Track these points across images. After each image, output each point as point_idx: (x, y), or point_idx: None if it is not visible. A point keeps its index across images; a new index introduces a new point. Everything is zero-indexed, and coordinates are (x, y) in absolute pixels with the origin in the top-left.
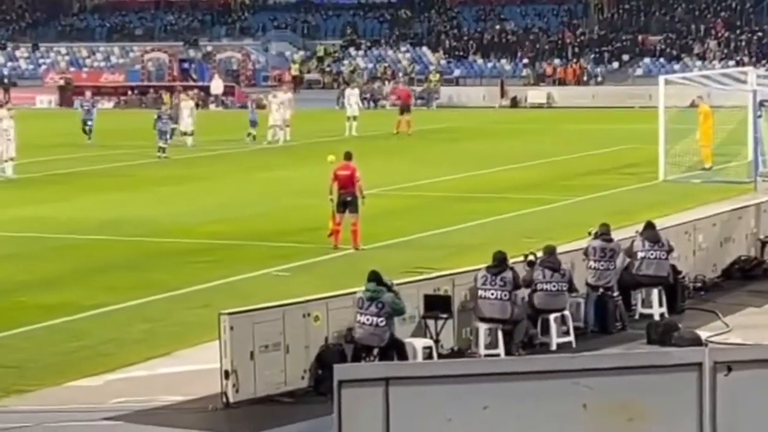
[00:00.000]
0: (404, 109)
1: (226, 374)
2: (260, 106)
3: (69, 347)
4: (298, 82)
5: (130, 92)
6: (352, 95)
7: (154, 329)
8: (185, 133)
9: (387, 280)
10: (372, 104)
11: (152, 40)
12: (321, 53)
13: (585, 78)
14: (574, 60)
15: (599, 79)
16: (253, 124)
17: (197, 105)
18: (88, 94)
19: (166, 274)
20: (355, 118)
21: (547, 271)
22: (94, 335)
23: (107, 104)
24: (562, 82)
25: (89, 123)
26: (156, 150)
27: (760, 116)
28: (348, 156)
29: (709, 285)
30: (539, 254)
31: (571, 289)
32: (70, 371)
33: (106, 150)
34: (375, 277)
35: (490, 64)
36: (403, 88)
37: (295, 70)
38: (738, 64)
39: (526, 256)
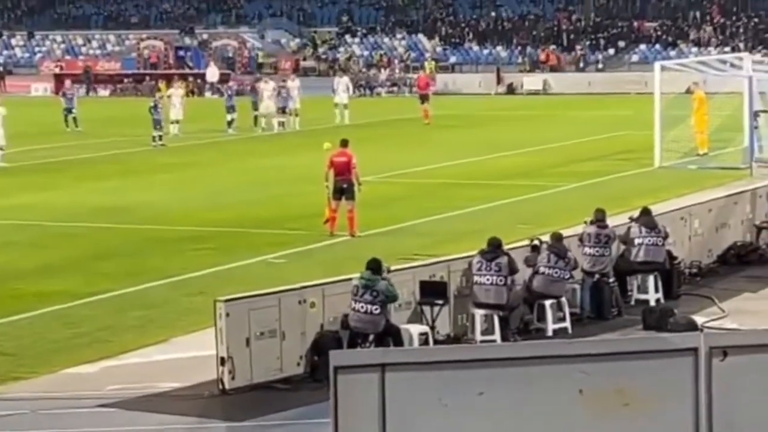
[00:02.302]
0: (423, 97)
1: (222, 361)
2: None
3: (65, 334)
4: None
5: (125, 80)
6: (340, 83)
7: (150, 316)
8: (174, 122)
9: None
10: (368, 91)
11: (148, 28)
12: (317, 41)
13: (582, 64)
14: (579, 48)
15: (600, 66)
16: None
17: (192, 92)
18: (68, 82)
19: (162, 261)
20: (345, 106)
21: (553, 256)
22: (90, 322)
23: (103, 92)
24: (557, 69)
25: (73, 111)
26: (151, 139)
27: (759, 114)
28: (344, 143)
29: (705, 271)
30: (544, 239)
31: (570, 276)
32: (66, 358)
33: (102, 138)
34: (373, 266)
35: (486, 51)
36: (422, 77)
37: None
38: (734, 50)
39: (531, 240)
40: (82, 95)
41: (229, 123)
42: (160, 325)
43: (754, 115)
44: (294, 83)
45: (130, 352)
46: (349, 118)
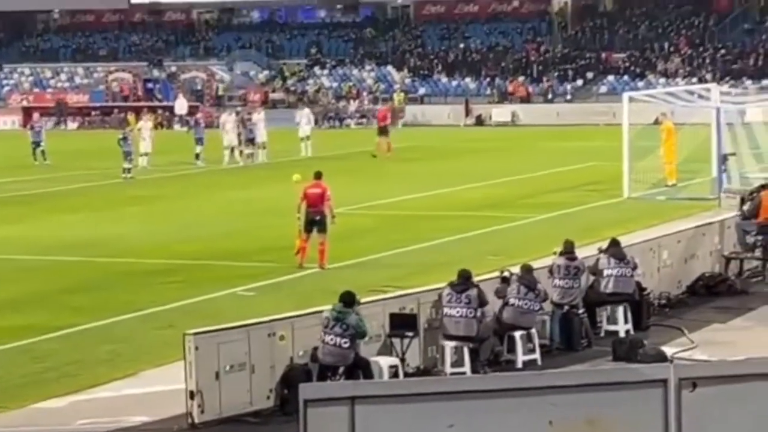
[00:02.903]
0: (381, 130)
1: (192, 395)
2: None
3: (34, 369)
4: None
5: (94, 113)
6: (303, 116)
7: (119, 350)
8: (143, 154)
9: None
10: (337, 123)
11: (116, 61)
12: (286, 73)
13: (550, 96)
14: (546, 79)
15: (568, 97)
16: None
17: (161, 125)
18: (36, 115)
19: (132, 295)
20: (308, 138)
21: (523, 287)
22: (59, 356)
23: (72, 125)
24: (525, 100)
25: (41, 144)
26: (121, 171)
27: (727, 158)
28: (318, 175)
29: (674, 302)
30: (514, 271)
31: (540, 307)
32: (35, 393)
33: (71, 171)
34: (347, 299)
35: (454, 83)
36: (381, 108)
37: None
38: (701, 81)
39: (501, 272)
40: (51, 128)
41: (197, 155)
42: (129, 358)
43: (723, 158)
44: (259, 116)
45: (99, 386)
46: (311, 150)
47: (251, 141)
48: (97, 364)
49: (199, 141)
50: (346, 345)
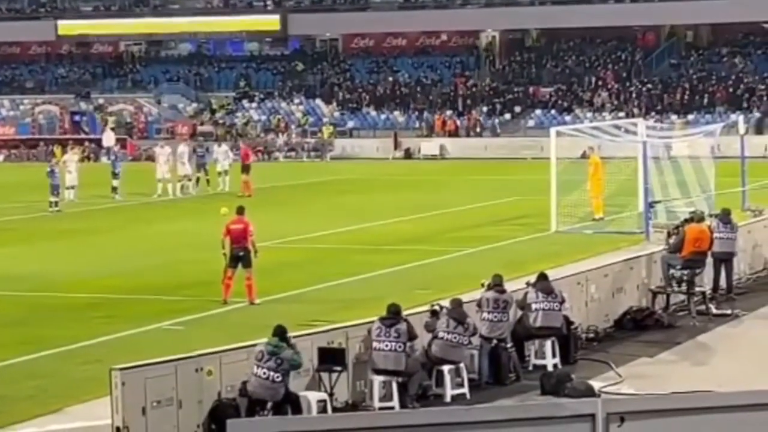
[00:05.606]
0: (243, 168)
1: (118, 430)
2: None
3: None
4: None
5: (20, 145)
6: (219, 153)
7: (44, 386)
8: (70, 187)
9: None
10: (266, 157)
11: (43, 93)
12: (215, 106)
13: (478, 129)
14: (475, 113)
15: (496, 130)
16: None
17: (87, 158)
18: None
19: (58, 330)
20: (225, 173)
21: (452, 321)
22: None
23: None
24: (453, 134)
25: None
26: (48, 204)
27: (653, 205)
28: (240, 210)
29: (602, 335)
30: (444, 304)
31: (470, 342)
32: None
33: None
34: (280, 332)
35: (383, 116)
36: (244, 147)
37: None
38: (628, 115)
39: (431, 305)
40: None
41: (114, 189)
42: (54, 394)
43: (649, 205)
44: (186, 148)
45: (23, 422)
46: (229, 185)
47: (203, 167)
48: (21, 400)
49: (116, 175)
50: (279, 379)
